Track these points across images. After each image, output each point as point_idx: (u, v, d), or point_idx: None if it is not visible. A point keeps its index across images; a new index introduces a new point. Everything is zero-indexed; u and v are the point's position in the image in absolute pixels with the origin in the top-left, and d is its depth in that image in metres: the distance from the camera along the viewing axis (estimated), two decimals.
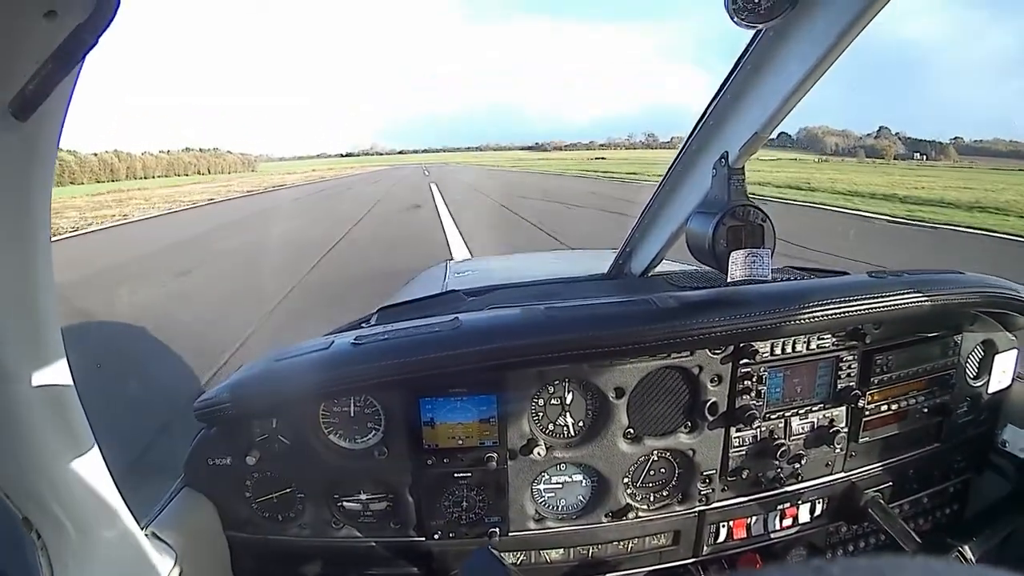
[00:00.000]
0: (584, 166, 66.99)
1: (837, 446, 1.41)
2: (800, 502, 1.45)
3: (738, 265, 1.27)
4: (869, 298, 1.25)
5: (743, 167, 1.33)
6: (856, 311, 1.24)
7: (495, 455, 1.28)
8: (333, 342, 1.24)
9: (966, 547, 1.29)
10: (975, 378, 1.56)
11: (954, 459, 1.58)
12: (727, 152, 1.32)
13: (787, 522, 1.46)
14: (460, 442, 1.28)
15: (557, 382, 1.29)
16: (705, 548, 1.43)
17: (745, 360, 1.31)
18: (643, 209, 1.67)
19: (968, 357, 1.53)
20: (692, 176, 1.47)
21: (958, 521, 1.64)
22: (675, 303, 1.22)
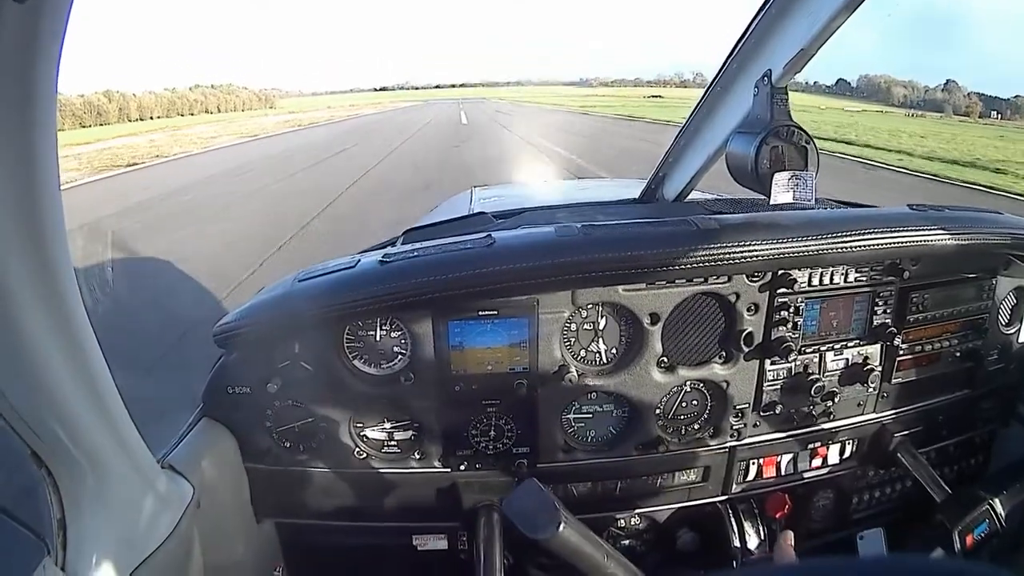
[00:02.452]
0: (640, 106, 55.29)
1: (870, 385, 1.39)
2: (831, 442, 1.43)
3: (781, 187, 1.22)
4: (910, 229, 1.22)
5: (786, 87, 1.27)
6: (897, 242, 1.21)
7: (525, 381, 1.23)
8: (359, 261, 1.19)
9: (996, 500, 1.27)
10: (1007, 325, 1.54)
11: (982, 408, 1.57)
12: (770, 70, 1.26)
13: (817, 462, 1.44)
14: (489, 367, 1.24)
15: (590, 306, 1.24)
16: (734, 486, 1.41)
17: (783, 289, 1.27)
18: (677, 132, 1.60)
19: (1002, 303, 1.50)
20: (732, 97, 1.41)
21: (983, 472, 1.64)
22: (716, 224, 1.17)
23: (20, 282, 0.67)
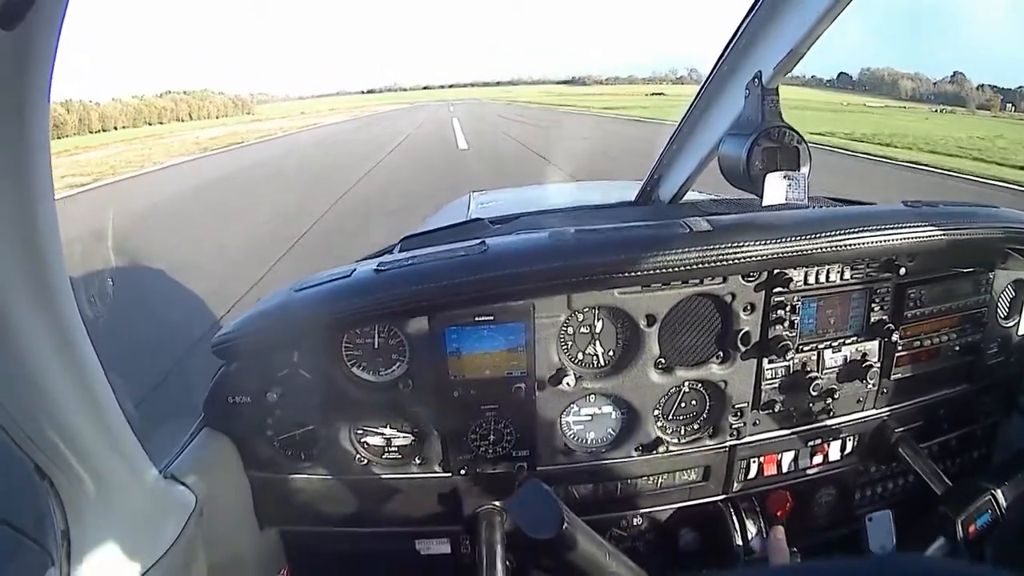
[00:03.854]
0: (642, 104, 48.39)
1: (869, 381, 1.39)
2: (832, 439, 1.44)
3: (774, 187, 1.23)
4: (904, 226, 1.22)
5: (777, 88, 1.28)
6: (891, 239, 1.21)
7: (523, 385, 1.24)
8: (355, 270, 1.19)
9: (998, 491, 1.27)
10: (1006, 318, 1.53)
11: (983, 401, 1.57)
12: (760, 72, 1.27)
13: (817, 459, 1.44)
14: (487, 372, 1.24)
15: (587, 309, 1.24)
16: (735, 485, 1.41)
17: (778, 288, 1.27)
18: (671, 134, 1.61)
19: (1000, 296, 1.50)
20: (724, 98, 1.42)
21: (984, 465, 1.64)
22: (709, 226, 1.18)
23: (18, 296, 0.68)
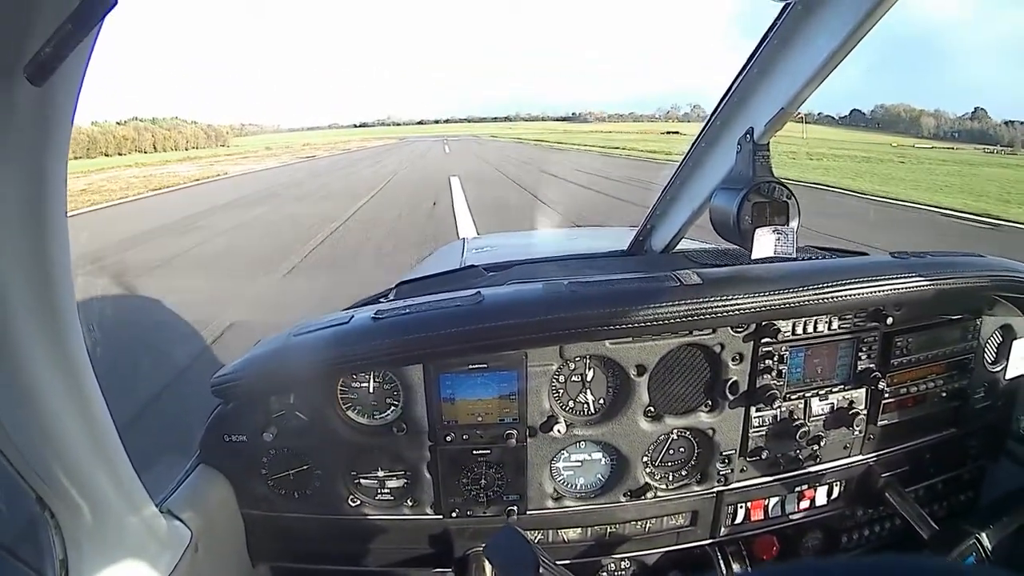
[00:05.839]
0: (657, 144, 41.36)
1: (856, 428, 1.40)
2: (818, 484, 1.45)
3: (763, 242, 1.26)
4: (891, 278, 1.25)
5: (768, 143, 1.32)
6: (878, 290, 1.24)
7: (515, 432, 1.26)
8: (353, 316, 1.22)
9: (983, 534, 1.29)
10: (993, 363, 1.55)
11: (970, 445, 1.58)
12: (752, 128, 1.31)
13: (804, 504, 1.46)
14: (480, 419, 1.27)
15: (578, 359, 1.27)
16: (723, 529, 1.42)
17: (767, 339, 1.30)
18: (664, 185, 1.65)
19: (987, 342, 1.52)
20: (716, 152, 1.45)
21: (972, 508, 1.64)
22: (699, 279, 1.20)
23: (29, 333, 0.71)
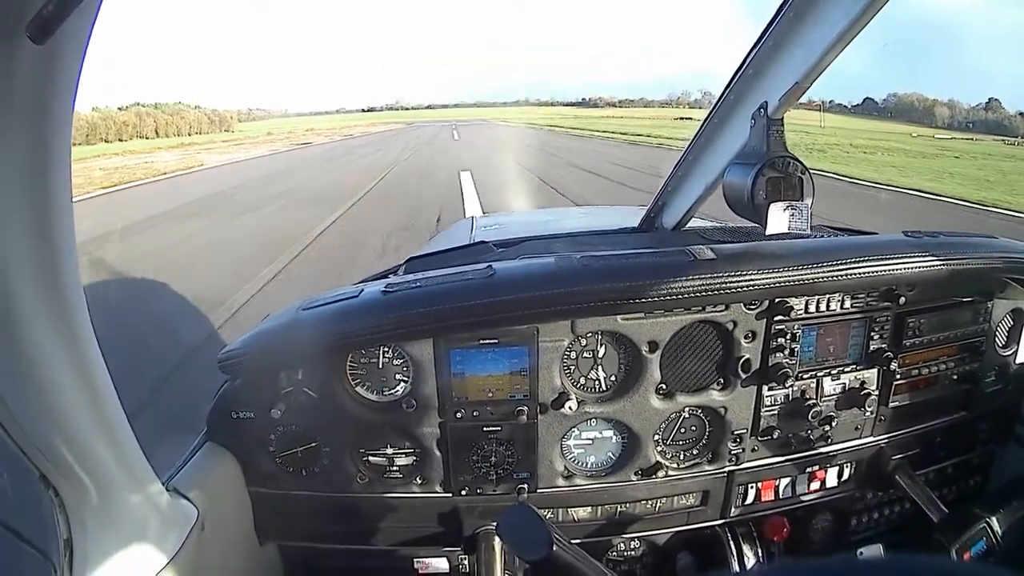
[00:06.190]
0: (680, 132, 35.36)
1: (867, 409, 1.40)
2: (829, 466, 1.45)
3: (777, 217, 1.23)
4: (904, 256, 1.24)
5: (782, 118, 1.29)
6: (891, 269, 1.23)
7: (525, 408, 1.25)
8: (362, 290, 1.21)
9: (993, 519, 1.28)
10: (1004, 347, 1.55)
11: (980, 429, 1.58)
12: (766, 102, 1.28)
13: (815, 485, 1.45)
14: (490, 395, 1.26)
15: (590, 335, 1.26)
16: (733, 510, 1.42)
17: (780, 316, 1.29)
18: (676, 161, 1.63)
19: (998, 325, 1.51)
20: (730, 127, 1.43)
21: (982, 492, 1.64)
22: (712, 254, 1.19)
23: (34, 308, 0.69)
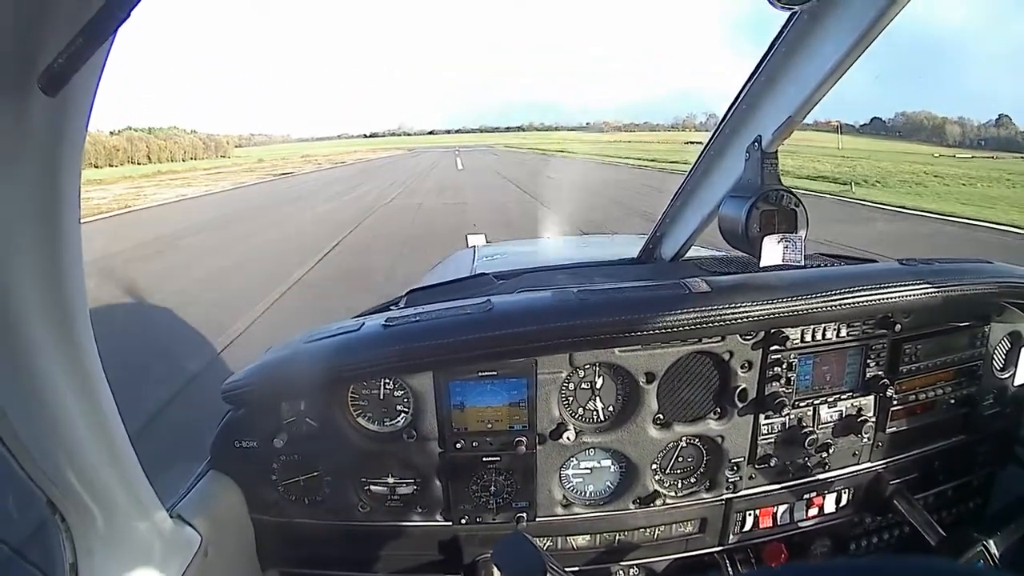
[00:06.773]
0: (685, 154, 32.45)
1: (864, 435, 1.40)
2: (827, 492, 1.45)
3: (771, 250, 1.26)
4: (899, 285, 1.25)
5: (776, 151, 1.32)
6: (887, 298, 1.23)
7: (524, 439, 1.26)
8: (363, 324, 1.23)
9: (991, 541, 1.28)
10: (1002, 370, 1.55)
11: (979, 452, 1.58)
12: (760, 136, 1.31)
13: (813, 512, 1.45)
14: (489, 426, 1.27)
15: (587, 366, 1.27)
16: (731, 537, 1.42)
17: (775, 346, 1.30)
18: (674, 193, 1.65)
19: (995, 348, 1.52)
20: (725, 160, 1.46)
21: (981, 514, 1.64)
22: (707, 287, 1.21)
23: (40, 335, 0.71)
